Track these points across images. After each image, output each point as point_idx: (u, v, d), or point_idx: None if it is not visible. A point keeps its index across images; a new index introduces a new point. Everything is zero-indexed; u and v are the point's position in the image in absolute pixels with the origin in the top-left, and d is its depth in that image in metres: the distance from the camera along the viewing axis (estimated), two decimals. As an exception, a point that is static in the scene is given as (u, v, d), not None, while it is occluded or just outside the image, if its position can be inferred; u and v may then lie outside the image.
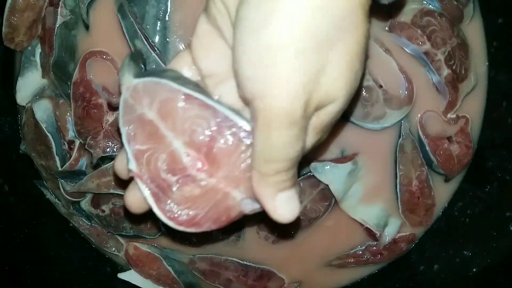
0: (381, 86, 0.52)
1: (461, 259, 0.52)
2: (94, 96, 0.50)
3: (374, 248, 0.57)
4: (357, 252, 0.57)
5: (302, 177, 0.54)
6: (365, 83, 0.51)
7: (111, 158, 0.52)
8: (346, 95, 0.31)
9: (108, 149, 0.51)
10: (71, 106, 0.52)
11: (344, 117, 0.52)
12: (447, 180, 0.56)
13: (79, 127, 0.52)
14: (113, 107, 0.50)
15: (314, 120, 0.31)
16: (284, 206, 0.32)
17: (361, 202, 0.55)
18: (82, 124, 0.52)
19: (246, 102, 0.32)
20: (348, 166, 0.53)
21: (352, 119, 0.52)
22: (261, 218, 0.54)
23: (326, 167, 0.53)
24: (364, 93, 0.51)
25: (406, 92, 0.52)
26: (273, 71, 0.28)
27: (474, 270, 0.50)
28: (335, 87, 0.30)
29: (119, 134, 0.35)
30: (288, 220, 0.33)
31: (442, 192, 0.56)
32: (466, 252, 0.52)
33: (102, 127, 0.51)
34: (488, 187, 0.53)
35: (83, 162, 0.55)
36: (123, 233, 0.56)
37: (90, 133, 0.51)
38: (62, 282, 0.54)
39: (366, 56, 0.32)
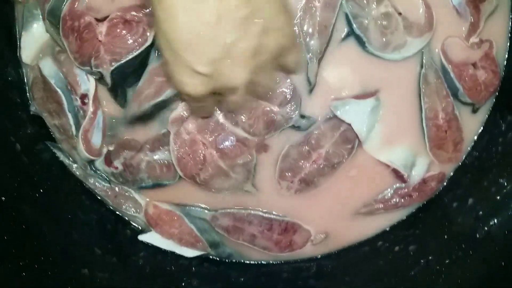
0: (400, 14, 0.50)
1: (497, 188, 0.50)
2: (81, 18, 0.49)
3: (403, 190, 0.54)
4: (385, 196, 0.55)
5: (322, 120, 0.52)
6: (384, 9, 0.49)
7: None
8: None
9: (115, 58, 0.49)
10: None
11: (362, 47, 0.50)
12: (474, 110, 0.54)
13: (79, 59, 0.50)
14: (101, 19, 0.50)
15: None
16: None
17: (386, 142, 0.53)
18: (81, 52, 0.50)
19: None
20: (370, 102, 0.51)
21: (371, 49, 0.50)
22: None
23: (347, 105, 0.51)
24: (383, 21, 0.49)
25: (426, 18, 0.50)
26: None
27: (510, 195, 0.47)
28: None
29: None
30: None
31: (471, 124, 0.54)
32: (502, 180, 0.50)
33: (99, 40, 0.49)
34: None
35: (100, 117, 0.53)
36: (143, 185, 0.55)
37: (91, 55, 0.49)
38: (81, 243, 0.52)
39: None
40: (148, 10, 0.49)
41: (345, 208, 0.56)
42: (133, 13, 0.49)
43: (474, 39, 0.51)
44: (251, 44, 0.39)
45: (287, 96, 0.50)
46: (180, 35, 0.37)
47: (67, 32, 0.50)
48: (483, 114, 0.54)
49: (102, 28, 0.50)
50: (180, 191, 0.55)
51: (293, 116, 0.51)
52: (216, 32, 0.37)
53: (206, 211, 0.55)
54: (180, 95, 0.49)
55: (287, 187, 0.54)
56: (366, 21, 0.50)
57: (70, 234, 0.52)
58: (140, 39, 0.49)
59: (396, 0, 0.50)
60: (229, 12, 0.37)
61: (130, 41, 0.49)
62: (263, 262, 0.58)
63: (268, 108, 0.50)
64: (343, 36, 0.51)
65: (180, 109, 0.51)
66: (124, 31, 0.49)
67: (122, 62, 0.50)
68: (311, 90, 0.51)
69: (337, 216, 0.56)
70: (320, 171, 0.53)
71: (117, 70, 0.50)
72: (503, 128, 0.52)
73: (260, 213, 0.55)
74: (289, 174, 0.53)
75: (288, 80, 0.50)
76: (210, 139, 0.51)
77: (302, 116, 0.52)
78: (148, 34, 0.49)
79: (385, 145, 0.53)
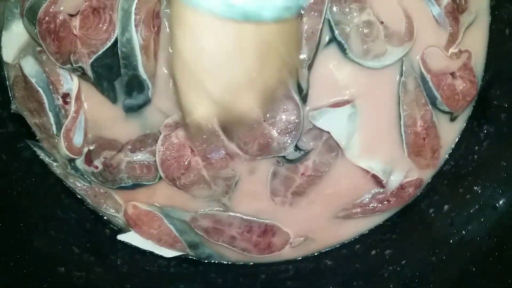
0: (382, 22, 0.50)
1: (472, 195, 0.50)
2: (56, 19, 0.49)
3: (381, 195, 0.55)
4: (363, 201, 0.56)
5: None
6: (366, 17, 0.50)
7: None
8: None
9: (92, 51, 0.49)
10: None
11: (343, 53, 0.51)
12: (452, 118, 0.54)
13: (60, 59, 0.50)
14: (75, 14, 0.49)
15: None
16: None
17: (365, 149, 0.54)
18: (60, 52, 0.50)
19: None
20: (347, 109, 0.52)
21: (351, 56, 0.51)
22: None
23: (325, 114, 0.52)
24: (364, 28, 0.50)
25: (406, 28, 0.50)
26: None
27: (484, 202, 0.48)
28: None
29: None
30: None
31: (448, 132, 0.55)
32: (476, 188, 0.51)
33: (75, 35, 0.49)
34: (495, 120, 0.52)
35: (82, 117, 0.53)
36: (122, 185, 0.54)
37: (70, 51, 0.49)
38: (59, 241, 0.52)
39: None
40: None
41: (324, 212, 0.56)
42: None
43: (453, 50, 0.52)
44: (271, 79, 0.39)
45: (289, 127, 0.50)
46: (201, 59, 0.37)
47: (44, 35, 0.50)
48: (460, 122, 0.55)
49: (76, 22, 0.49)
50: (161, 192, 0.56)
51: (288, 148, 0.51)
52: (236, 63, 0.37)
53: (185, 212, 0.56)
54: (180, 123, 0.49)
55: (282, 202, 0.55)
56: (348, 28, 0.50)
57: (47, 233, 0.52)
58: (110, 28, 0.49)
59: (379, 9, 0.50)
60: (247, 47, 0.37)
61: (103, 31, 0.49)
62: (241, 263, 0.58)
63: (267, 132, 0.50)
64: (326, 41, 0.51)
65: (177, 117, 0.51)
66: (95, 21, 0.49)
67: (100, 53, 0.49)
68: (304, 98, 0.51)
69: (316, 220, 0.57)
70: (310, 182, 0.54)
71: (97, 62, 0.50)
72: (479, 137, 0.53)
73: (240, 215, 0.56)
74: (281, 189, 0.54)
75: (297, 112, 0.50)
76: (200, 148, 0.51)
77: (296, 148, 0.52)
78: (114, 20, 0.49)
79: (365, 152, 0.54)
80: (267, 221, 0.56)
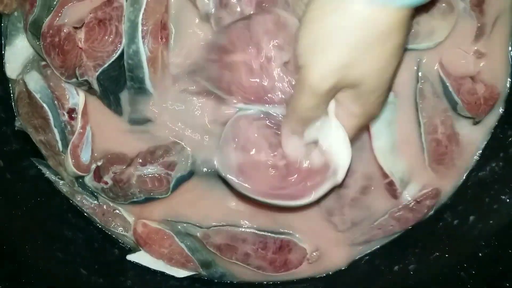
0: None
1: (500, 205, 0.48)
2: (61, 32, 0.48)
3: (398, 213, 0.53)
4: (382, 222, 0.53)
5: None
6: None
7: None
8: (375, 78, 0.39)
9: (98, 63, 0.48)
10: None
11: None
12: (475, 123, 0.52)
13: (65, 73, 0.49)
14: (80, 26, 0.48)
15: (353, 93, 0.40)
16: (288, 142, 0.45)
17: (392, 150, 0.51)
18: (65, 66, 0.48)
19: (297, 67, 0.40)
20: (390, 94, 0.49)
21: None
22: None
23: None
24: None
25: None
26: (324, 52, 0.37)
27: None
28: (363, 75, 0.38)
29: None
30: (286, 152, 0.46)
31: (472, 138, 0.52)
32: (504, 197, 0.48)
33: (80, 47, 0.48)
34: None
35: (89, 132, 0.52)
36: (135, 200, 0.53)
37: (75, 65, 0.48)
38: (66, 263, 0.50)
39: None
40: (116, 3, 0.47)
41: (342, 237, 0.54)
42: (104, 9, 0.48)
43: (480, 45, 0.50)
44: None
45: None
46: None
47: (49, 49, 0.48)
48: (484, 128, 0.53)
49: (81, 34, 0.48)
50: (172, 207, 0.54)
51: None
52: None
53: (197, 227, 0.53)
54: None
55: (341, 221, 0.53)
56: None
57: (54, 254, 0.50)
58: (116, 39, 0.48)
59: None
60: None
61: (109, 43, 0.48)
62: (256, 283, 0.56)
63: None
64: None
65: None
66: (101, 33, 0.47)
67: (106, 65, 0.48)
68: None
69: (333, 242, 0.54)
70: (363, 192, 0.52)
71: (103, 75, 0.48)
72: (504, 142, 0.51)
73: (254, 230, 0.53)
74: (336, 207, 0.52)
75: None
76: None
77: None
78: (120, 32, 0.48)
79: (391, 153, 0.51)
80: (283, 236, 0.53)
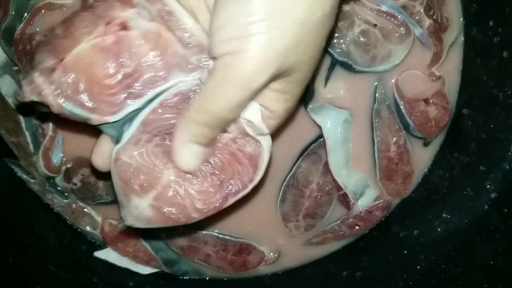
0: (375, 25, 0.51)
1: (440, 222, 0.51)
2: (33, 40, 0.49)
3: (349, 220, 0.56)
4: (334, 227, 0.56)
5: (301, 157, 0.54)
6: (358, 29, 0.50)
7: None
8: (308, 66, 0.33)
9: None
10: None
11: (349, 69, 0.52)
12: (426, 144, 0.55)
13: None
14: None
15: (280, 87, 0.33)
16: (187, 156, 0.34)
17: (346, 164, 0.54)
18: None
19: (213, 55, 0.32)
20: (345, 113, 0.53)
21: (360, 68, 0.51)
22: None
23: (324, 109, 0.53)
24: (361, 38, 0.50)
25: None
26: (258, 37, 0.30)
27: (451, 230, 0.49)
28: (300, 61, 0.32)
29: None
30: (182, 168, 0.35)
31: (421, 158, 0.55)
32: (445, 215, 0.51)
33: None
34: (465, 148, 0.52)
35: (60, 136, 0.54)
36: (102, 201, 0.56)
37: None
38: (35, 260, 0.53)
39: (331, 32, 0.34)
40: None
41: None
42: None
43: (435, 69, 0.52)
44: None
45: None
46: None
47: (20, 56, 0.50)
48: (434, 148, 0.55)
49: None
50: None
51: None
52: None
53: (161, 230, 0.56)
54: None
55: (295, 226, 0.56)
56: (345, 46, 0.51)
57: (24, 250, 0.53)
58: None
59: (366, 14, 0.51)
60: None
61: None
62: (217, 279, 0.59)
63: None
64: (328, 66, 0.52)
65: None
66: None
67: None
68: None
69: (290, 245, 0.58)
70: (318, 202, 0.55)
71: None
72: (451, 164, 0.54)
73: (215, 234, 0.56)
74: (292, 214, 0.55)
75: None
76: None
77: None
78: None
79: (345, 167, 0.54)
80: (242, 240, 0.57)
